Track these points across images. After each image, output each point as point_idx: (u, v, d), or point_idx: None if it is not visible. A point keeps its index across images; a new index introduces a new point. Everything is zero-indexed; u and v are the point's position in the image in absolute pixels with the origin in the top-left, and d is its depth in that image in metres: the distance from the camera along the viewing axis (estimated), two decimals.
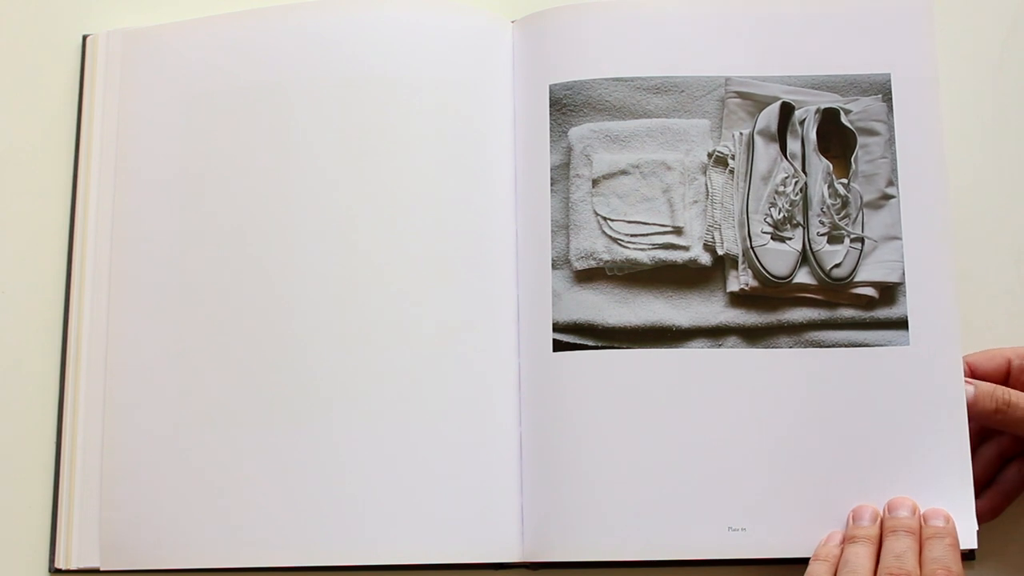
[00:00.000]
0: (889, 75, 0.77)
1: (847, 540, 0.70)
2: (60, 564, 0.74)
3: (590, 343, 0.75)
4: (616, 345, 0.74)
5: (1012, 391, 0.72)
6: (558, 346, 0.74)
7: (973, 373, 0.74)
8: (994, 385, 0.72)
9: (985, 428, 0.74)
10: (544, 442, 0.74)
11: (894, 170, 0.76)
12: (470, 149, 0.77)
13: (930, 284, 0.74)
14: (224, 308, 0.76)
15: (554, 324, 0.75)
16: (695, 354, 0.74)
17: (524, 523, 0.73)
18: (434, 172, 0.76)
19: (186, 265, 0.77)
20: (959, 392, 0.72)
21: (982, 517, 0.73)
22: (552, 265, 0.76)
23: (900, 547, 0.68)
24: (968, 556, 0.73)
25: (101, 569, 0.74)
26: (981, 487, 0.74)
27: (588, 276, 0.76)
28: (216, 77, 0.79)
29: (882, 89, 0.77)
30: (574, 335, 0.75)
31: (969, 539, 0.71)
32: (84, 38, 0.82)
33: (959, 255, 0.76)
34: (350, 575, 0.74)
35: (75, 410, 0.76)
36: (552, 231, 0.76)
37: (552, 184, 0.77)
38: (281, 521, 0.73)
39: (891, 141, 0.76)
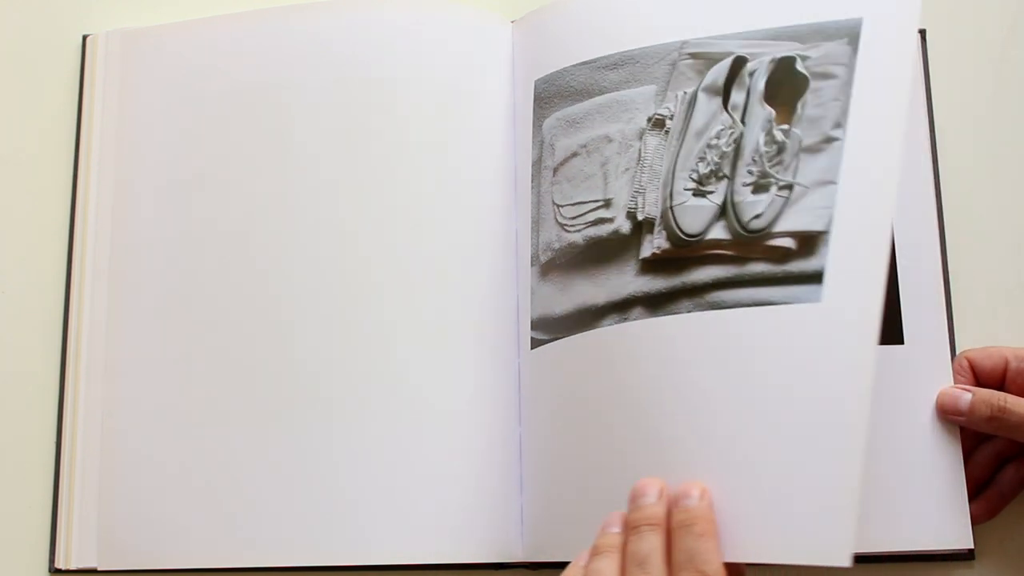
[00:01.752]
0: (860, 19, 0.70)
1: (591, 550, 0.62)
2: (60, 564, 0.75)
3: (544, 337, 0.73)
4: (559, 336, 0.73)
5: (1008, 396, 0.70)
6: (534, 344, 0.74)
7: (972, 369, 0.73)
8: (990, 391, 0.71)
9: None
10: (539, 441, 0.73)
11: (844, 112, 0.67)
12: (469, 147, 0.77)
13: (860, 233, 0.66)
14: (223, 308, 0.76)
15: (532, 321, 0.74)
16: (605, 333, 0.70)
17: (524, 523, 0.72)
18: (433, 172, 0.76)
19: (185, 265, 0.77)
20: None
21: (979, 518, 0.72)
22: (531, 262, 0.75)
23: (643, 550, 0.59)
24: (967, 556, 0.72)
25: (99, 569, 0.74)
26: (979, 488, 0.73)
27: (547, 269, 0.74)
28: (215, 77, 0.79)
29: (849, 33, 0.69)
30: (538, 331, 0.74)
31: (965, 538, 0.70)
32: (84, 38, 0.83)
33: (956, 255, 0.76)
34: (349, 575, 0.74)
35: (75, 410, 0.76)
36: (531, 227, 0.75)
37: (531, 180, 0.76)
38: (280, 521, 0.73)
39: (848, 83, 0.68)
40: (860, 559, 0.73)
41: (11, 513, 0.76)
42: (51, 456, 0.76)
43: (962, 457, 0.71)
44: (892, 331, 0.73)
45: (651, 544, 0.59)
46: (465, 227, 0.76)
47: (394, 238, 0.76)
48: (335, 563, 0.72)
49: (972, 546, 0.71)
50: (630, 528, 0.61)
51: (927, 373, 0.73)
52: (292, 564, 0.73)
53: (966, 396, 0.71)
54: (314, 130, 0.78)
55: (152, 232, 0.78)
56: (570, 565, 0.62)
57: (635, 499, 0.62)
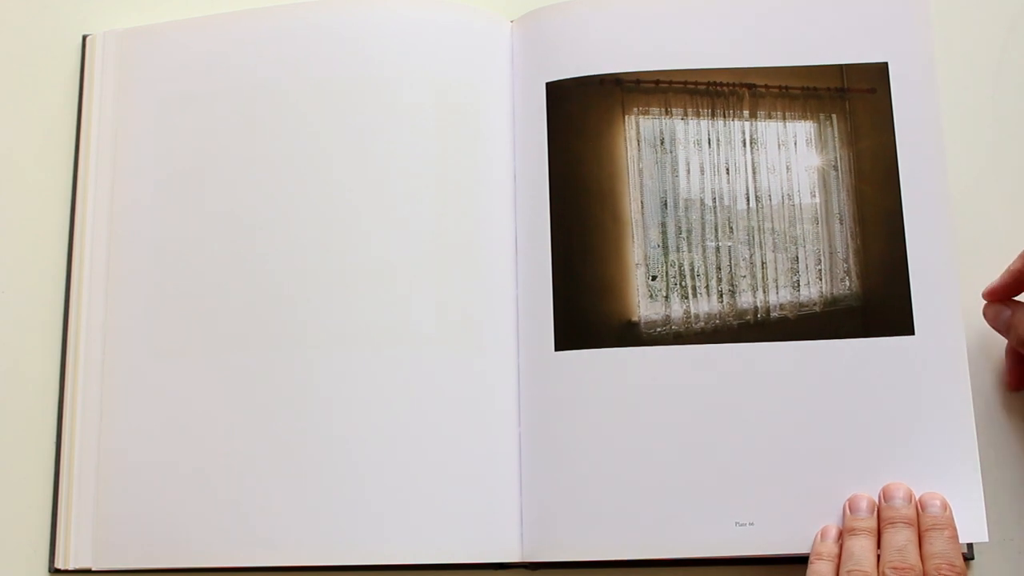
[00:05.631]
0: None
1: (847, 532, 0.69)
2: (60, 564, 0.74)
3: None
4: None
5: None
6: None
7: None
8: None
9: None
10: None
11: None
12: (469, 147, 0.76)
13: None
14: (222, 309, 0.75)
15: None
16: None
17: (524, 523, 0.72)
18: (433, 170, 0.76)
19: (184, 264, 0.76)
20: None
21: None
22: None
23: (900, 540, 0.68)
24: (966, 556, 0.73)
25: (94, 569, 0.74)
26: None
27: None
28: (213, 76, 0.79)
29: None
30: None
31: (980, 532, 0.70)
32: (84, 38, 0.82)
33: (962, 253, 0.76)
34: (348, 575, 0.73)
35: (74, 410, 0.76)
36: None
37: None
38: (278, 521, 0.72)
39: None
40: None
41: (11, 513, 0.75)
42: (51, 456, 0.76)
43: (977, 453, 0.71)
44: (902, 321, 0.73)
45: (906, 536, 0.68)
46: (465, 226, 0.75)
47: (393, 237, 0.75)
48: (333, 563, 0.72)
49: (987, 539, 0.71)
50: (885, 522, 0.69)
51: (939, 364, 0.72)
52: (289, 564, 0.72)
53: (1006, 313, 0.73)
54: (312, 128, 0.77)
55: (150, 231, 0.77)
56: (816, 544, 0.70)
57: (887, 498, 0.70)
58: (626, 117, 0.76)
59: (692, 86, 0.77)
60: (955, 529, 0.68)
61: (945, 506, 0.69)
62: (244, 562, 0.72)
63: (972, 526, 0.70)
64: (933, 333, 0.72)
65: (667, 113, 0.77)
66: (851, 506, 0.70)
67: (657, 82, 0.77)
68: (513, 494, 0.72)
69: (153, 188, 0.78)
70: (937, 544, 0.67)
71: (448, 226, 0.75)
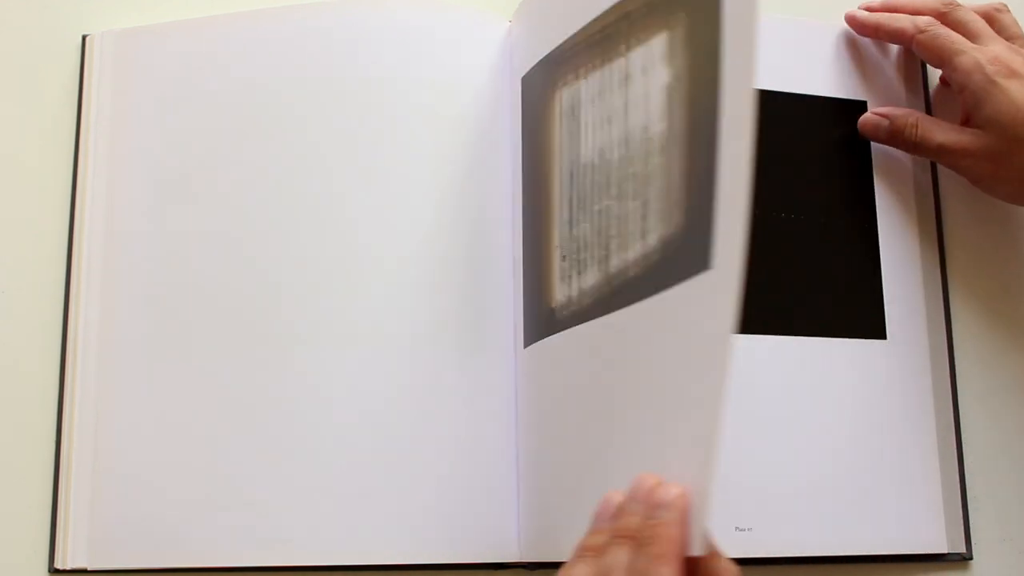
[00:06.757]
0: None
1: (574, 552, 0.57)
2: (59, 564, 0.74)
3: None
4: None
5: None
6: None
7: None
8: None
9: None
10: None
11: None
12: (467, 147, 0.76)
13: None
14: (219, 308, 0.75)
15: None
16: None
17: (521, 523, 0.72)
18: (431, 170, 0.76)
19: (181, 264, 0.76)
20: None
21: None
22: None
23: (607, 564, 0.54)
24: (967, 556, 0.73)
25: (90, 569, 0.73)
26: None
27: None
28: (212, 77, 0.79)
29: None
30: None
31: (939, 541, 0.70)
32: (83, 38, 0.82)
33: (954, 251, 0.79)
34: (345, 575, 0.72)
35: (74, 410, 0.75)
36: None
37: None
38: (275, 521, 0.72)
39: None
40: (843, 559, 0.73)
41: (11, 513, 0.75)
42: (51, 456, 0.76)
43: (956, 460, 0.71)
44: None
45: (617, 559, 0.53)
46: (463, 227, 0.76)
47: (391, 236, 0.76)
48: (331, 563, 0.71)
49: (961, 549, 0.71)
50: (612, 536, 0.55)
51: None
52: (287, 564, 0.72)
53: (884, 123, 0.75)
54: (310, 129, 0.77)
55: (147, 231, 0.77)
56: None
57: (628, 500, 0.56)
58: (555, 93, 0.73)
59: (592, 39, 0.70)
60: (670, 541, 0.51)
61: (673, 504, 0.52)
62: (241, 562, 0.72)
63: (931, 535, 0.70)
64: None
65: (577, 77, 0.71)
66: (595, 515, 0.58)
67: (573, 46, 0.71)
68: (510, 493, 0.72)
69: (151, 188, 0.78)
70: (637, 562, 0.52)
71: (446, 228, 0.76)
